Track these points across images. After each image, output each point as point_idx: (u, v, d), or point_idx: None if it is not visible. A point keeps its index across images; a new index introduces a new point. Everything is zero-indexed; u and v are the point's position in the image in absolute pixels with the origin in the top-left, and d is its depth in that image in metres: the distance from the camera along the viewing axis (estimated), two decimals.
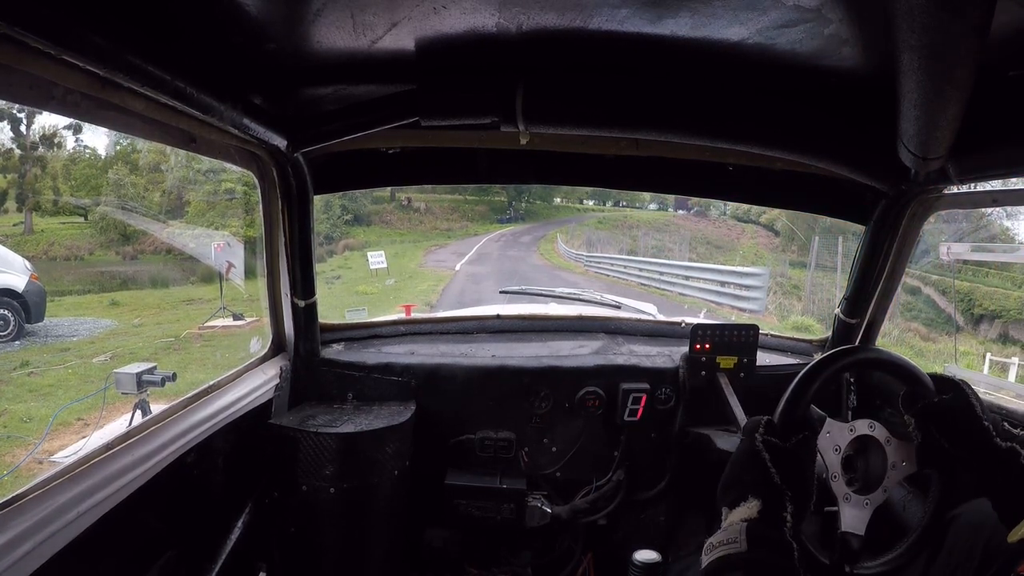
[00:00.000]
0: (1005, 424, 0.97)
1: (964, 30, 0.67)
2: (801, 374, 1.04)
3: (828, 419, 1.05)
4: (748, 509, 0.83)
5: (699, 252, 23.18)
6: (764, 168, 1.50)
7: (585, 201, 39.65)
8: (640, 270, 16.09)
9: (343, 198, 23.31)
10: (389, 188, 30.09)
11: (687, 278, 13.87)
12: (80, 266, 13.22)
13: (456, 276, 15.95)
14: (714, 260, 19.99)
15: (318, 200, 1.47)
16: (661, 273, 14.92)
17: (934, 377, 1.06)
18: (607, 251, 22.10)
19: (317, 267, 1.57)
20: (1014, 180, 1.26)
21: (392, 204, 31.11)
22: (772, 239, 27.49)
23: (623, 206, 39.01)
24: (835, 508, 1.03)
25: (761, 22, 0.86)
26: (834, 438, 1.04)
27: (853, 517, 1.02)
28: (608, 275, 16.88)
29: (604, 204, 39.88)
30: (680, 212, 35.43)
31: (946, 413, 1.01)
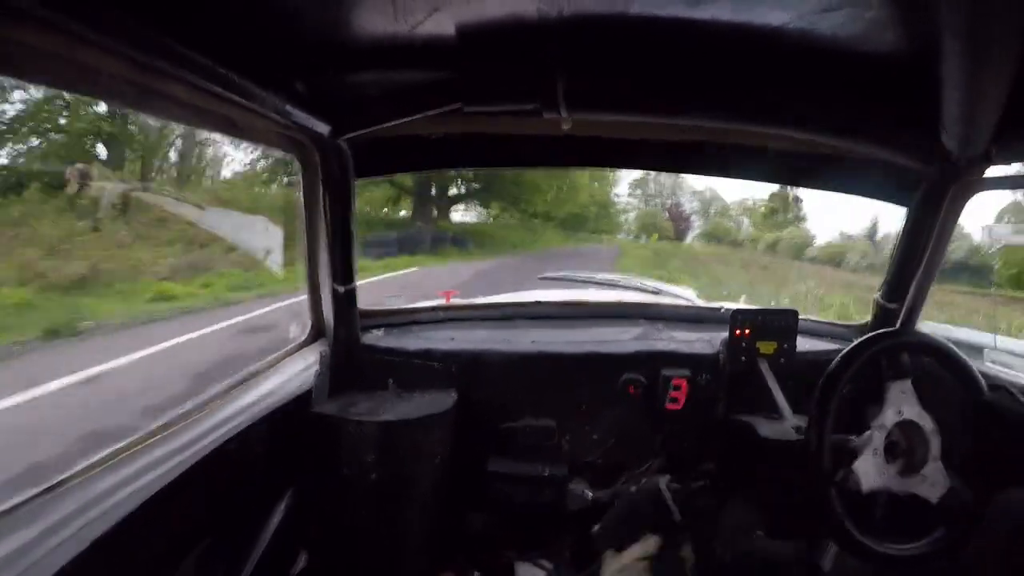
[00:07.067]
0: None
1: (1007, 11, 0.68)
2: (858, 342, 1.20)
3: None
4: (644, 547, 0.84)
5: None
6: (805, 152, 1.48)
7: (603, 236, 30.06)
8: None
9: None
10: None
11: None
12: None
13: None
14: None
15: None
16: None
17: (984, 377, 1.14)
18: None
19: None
20: None
21: None
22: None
23: (661, 240, 30.69)
24: (866, 488, 1.11)
25: (803, 7, 0.88)
26: (883, 416, 1.14)
27: (880, 488, 1.11)
28: None
29: (639, 239, 31.55)
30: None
31: (995, 411, 1.09)
